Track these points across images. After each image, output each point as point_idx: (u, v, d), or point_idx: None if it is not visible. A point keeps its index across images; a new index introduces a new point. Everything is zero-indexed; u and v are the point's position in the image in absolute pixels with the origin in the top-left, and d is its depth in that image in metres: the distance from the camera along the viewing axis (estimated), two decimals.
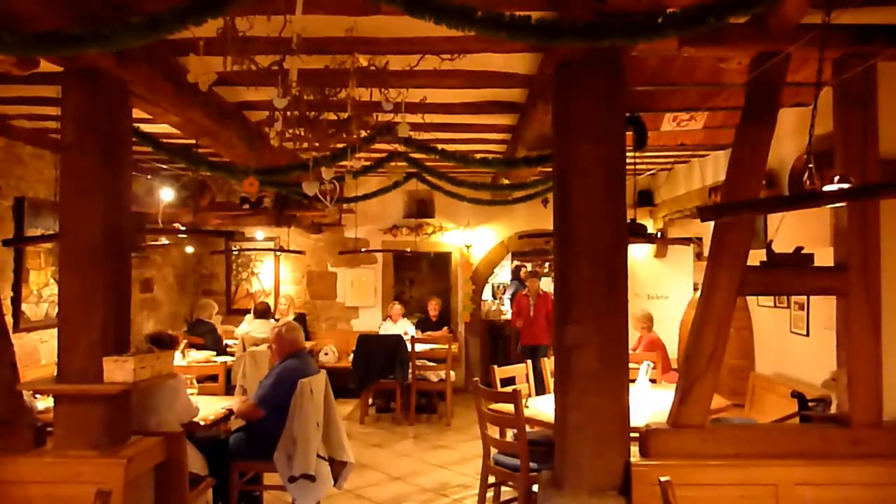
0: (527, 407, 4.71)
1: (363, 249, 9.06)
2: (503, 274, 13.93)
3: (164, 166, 7.34)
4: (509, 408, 4.44)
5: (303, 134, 3.32)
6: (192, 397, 4.63)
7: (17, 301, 5.96)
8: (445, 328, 8.90)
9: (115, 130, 3.29)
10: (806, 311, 4.86)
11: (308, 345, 8.88)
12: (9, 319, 5.06)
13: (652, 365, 5.61)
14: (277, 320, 8.74)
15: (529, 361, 6.07)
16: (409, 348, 7.83)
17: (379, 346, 7.91)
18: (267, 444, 4.35)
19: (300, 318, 9.23)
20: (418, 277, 11.33)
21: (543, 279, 13.79)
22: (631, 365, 3.34)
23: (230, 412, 4.65)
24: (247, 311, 8.55)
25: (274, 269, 9.83)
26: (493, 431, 4.84)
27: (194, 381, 5.41)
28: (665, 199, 8.48)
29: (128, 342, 3.39)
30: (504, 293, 12.90)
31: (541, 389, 5.99)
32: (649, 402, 4.77)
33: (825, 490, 3.00)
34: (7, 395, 3.29)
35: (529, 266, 12.83)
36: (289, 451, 4.27)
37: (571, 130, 3.10)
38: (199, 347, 7.07)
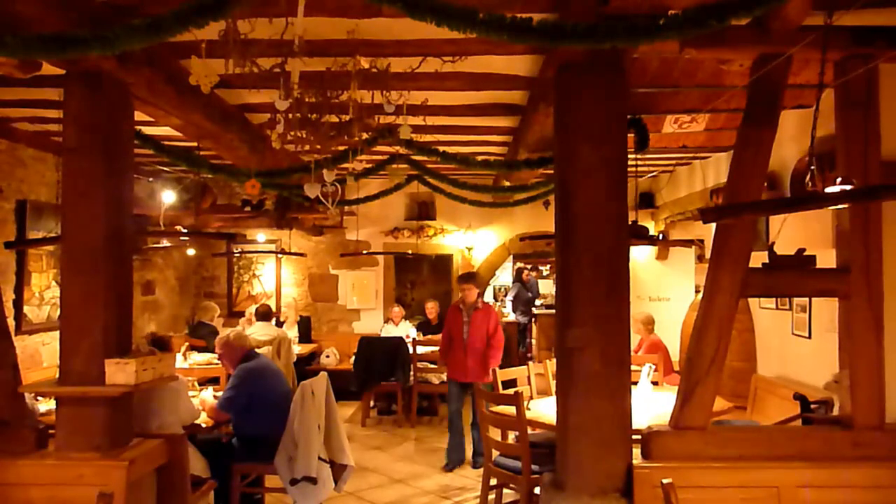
0: (528, 409, 4.71)
1: (364, 252, 9.06)
2: (505, 276, 13.94)
3: (166, 169, 7.35)
4: (511, 410, 4.43)
5: (304, 136, 3.32)
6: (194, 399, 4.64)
7: (18, 303, 5.96)
8: None
9: (117, 133, 3.30)
10: (808, 314, 4.85)
11: (311, 347, 8.90)
12: (10, 322, 5.07)
13: (654, 367, 5.61)
14: (283, 323, 8.76)
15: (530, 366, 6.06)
16: (411, 351, 7.82)
17: (380, 348, 7.90)
18: (268, 447, 4.35)
19: (304, 321, 9.22)
20: (419, 280, 11.34)
21: (542, 281, 13.74)
22: (633, 367, 3.34)
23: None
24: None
25: (275, 271, 9.83)
26: (495, 433, 4.83)
27: (196, 384, 5.41)
28: (666, 201, 8.47)
29: (129, 344, 3.39)
30: (506, 295, 12.90)
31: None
32: (651, 404, 4.77)
33: (827, 492, 2.99)
34: (9, 397, 3.29)
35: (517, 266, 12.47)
36: (290, 453, 4.28)
37: (573, 132, 3.10)
38: (200, 350, 7.07)
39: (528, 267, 12.76)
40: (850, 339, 3.14)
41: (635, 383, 4.80)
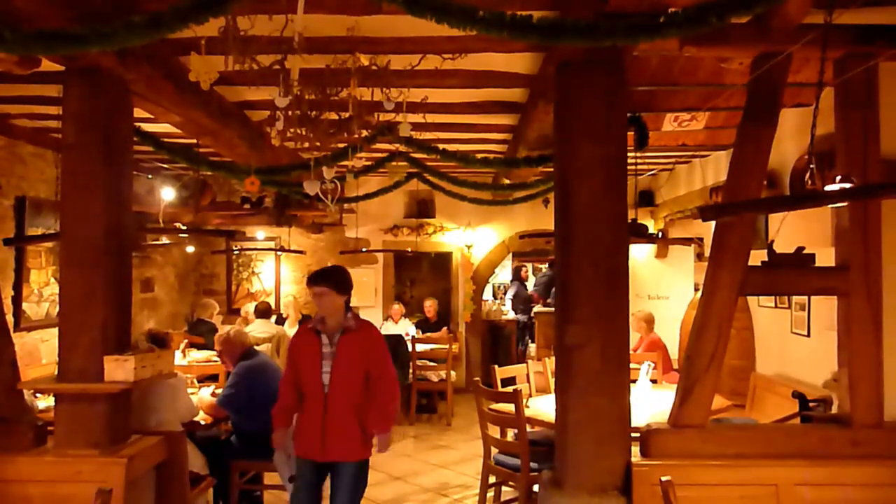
0: (527, 407, 4.71)
1: (364, 249, 9.06)
2: (504, 274, 13.94)
3: (165, 166, 7.34)
4: (510, 407, 4.44)
5: (304, 133, 3.32)
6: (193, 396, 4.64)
7: (17, 300, 5.96)
8: (445, 328, 8.89)
9: (116, 129, 3.29)
10: (807, 312, 4.85)
11: None
12: (9, 318, 5.05)
13: (653, 365, 5.61)
14: (285, 320, 8.75)
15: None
16: (410, 348, 7.83)
17: None
18: (267, 444, 4.35)
19: (305, 319, 9.22)
20: (419, 277, 11.34)
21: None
22: (632, 365, 3.34)
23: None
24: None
25: (275, 268, 9.83)
26: (494, 431, 4.84)
27: (195, 381, 5.41)
28: (666, 199, 8.47)
29: (128, 341, 3.39)
30: (505, 294, 12.90)
31: None
32: (650, 402, 4.78)
33: (826, 490, 3.00)
34: (8, 393, 3.29)
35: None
36: (288, 450, 4.27)
37: (573, 130, 3.11)
38: (199, 347, 7.07)
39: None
40: (848, 338, 3.14)
41: (634, 381, 4.80)
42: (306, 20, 2.74)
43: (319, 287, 3.56)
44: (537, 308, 10.71)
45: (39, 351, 6.20)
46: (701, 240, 8.14)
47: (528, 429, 4.41)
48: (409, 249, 9.18)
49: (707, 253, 3.57)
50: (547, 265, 12.43)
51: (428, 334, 8.48)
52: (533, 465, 4.29)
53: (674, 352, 7.63)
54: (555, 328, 3.26)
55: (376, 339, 3.70)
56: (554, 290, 11.27)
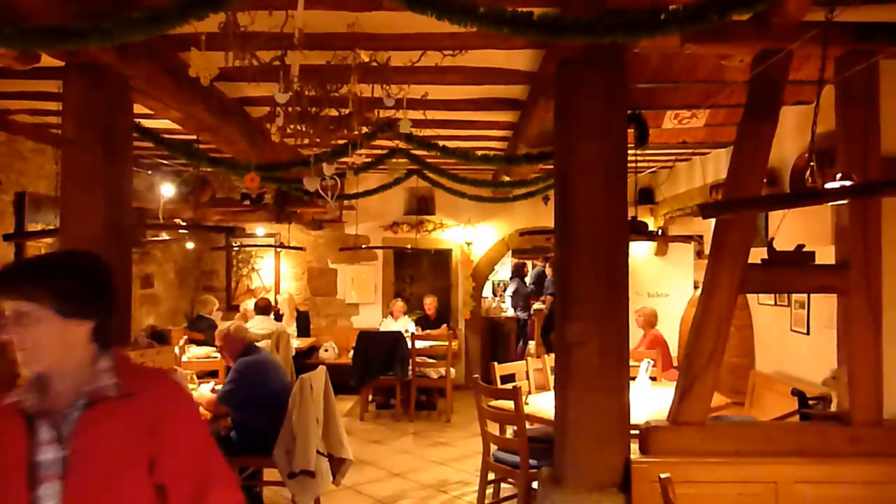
0: (527, 404, 4.72)
1: (364, 246, 9.07)
2: (504, 271, 13.95)
3: (165, 162, 7.34)
4: (509, 404, 4.44)
5: (304, 130, 3.32)
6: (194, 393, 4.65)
7: None
8: (444, 325, 8.90)
9: (116, 125, 3.29)
10: (806, 310, 4.85)
11: (310, 341, 8.91)
12: None
13: (652, 363, 5.62)
14: (281, 317, 8.76)
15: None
16: (410, 345, 7.84)
17: (379, 342, 7.92)
18: (267, 441, 4.36)
19: (303, 316, 9.23)
20: (419, 274, 11.33)
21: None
22: (631, 362, 3.34)
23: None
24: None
25: (274, 265, 9.83)
26: (493, 428, 4.84)
27: (194, 377, 5.41)
28: (666, 196, 8.47)
29: (128, 337, 3.39)
30: (504, 291, 12.91)
31: None
32: (650, 399, 4.78)
33: (825, 488, 3.00)
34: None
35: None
36: (288, 447, 4.29)
37: (573, 127, 3.10)
38: (199, 343, 7.07)
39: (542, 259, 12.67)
40: (848, 336, 3.14)
41: (634, 378, 4.81)
42: (306, 16, 2.74)
43: (11, 300, 1.58)
44: (537, 305, 10.72)
45: None
46: (701, 237, 8.14)
47: (528, 426, 4.41)
48: (409, 246, 9.18)
49: (707, 250, 3.57)
50: (542, 260, 12.44)
51: (427, 331, 8.48)
52: (532, 461, 4.30)
53: (673, 349, 7.64)
54: (554, 325, 3.26)
55: (180, 412, 1.69)
56: (547, 281, 11.37)
